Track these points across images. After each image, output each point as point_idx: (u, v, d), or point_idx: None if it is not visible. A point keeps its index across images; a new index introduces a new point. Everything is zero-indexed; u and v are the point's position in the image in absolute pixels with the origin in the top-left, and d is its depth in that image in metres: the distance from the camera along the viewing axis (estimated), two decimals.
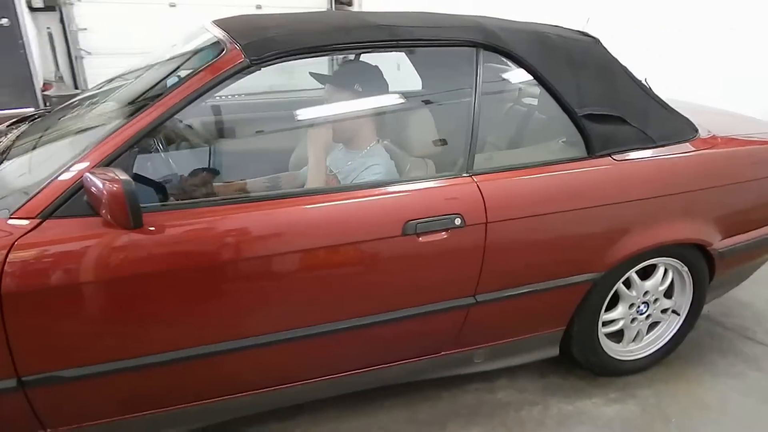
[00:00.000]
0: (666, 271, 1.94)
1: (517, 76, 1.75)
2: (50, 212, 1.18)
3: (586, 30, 1.90)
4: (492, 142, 1.88)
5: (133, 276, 1.23)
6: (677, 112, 1.90)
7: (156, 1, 6.48)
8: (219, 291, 1.35)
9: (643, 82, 1.91)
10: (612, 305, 1.91)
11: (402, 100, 1.79)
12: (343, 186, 1.64)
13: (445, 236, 1.49)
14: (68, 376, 1.27)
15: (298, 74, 1.73)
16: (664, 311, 2.02)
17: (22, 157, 1.53)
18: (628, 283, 1.88)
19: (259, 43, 1.39)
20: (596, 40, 1.83)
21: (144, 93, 1.51)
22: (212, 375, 1.45)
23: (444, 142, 1.73)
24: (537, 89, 1.77)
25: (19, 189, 1.27)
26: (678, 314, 2.05)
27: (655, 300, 1.96)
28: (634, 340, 2.02)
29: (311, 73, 1.76)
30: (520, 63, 1.63)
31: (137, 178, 1.31)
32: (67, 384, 1.27)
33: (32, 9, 5.69)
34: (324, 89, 1.77)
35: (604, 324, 1.92)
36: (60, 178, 1.21)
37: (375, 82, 1.70)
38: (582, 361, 1.97)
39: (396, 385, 1.81)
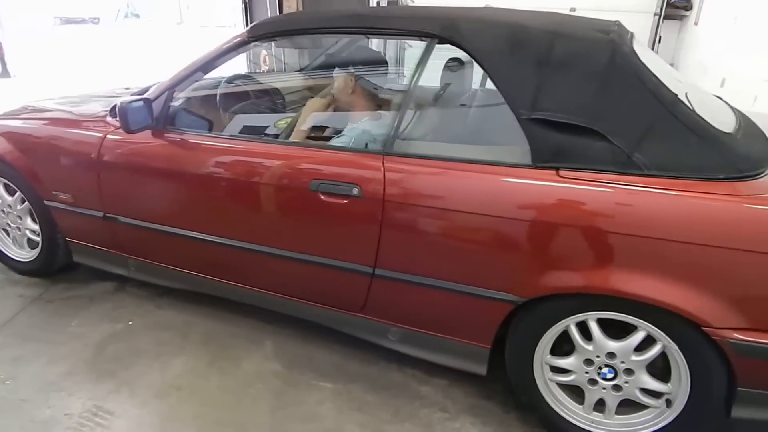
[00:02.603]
0: (654, 341, 1.51)
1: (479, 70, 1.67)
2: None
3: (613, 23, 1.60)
4: (428, 130, 1.81)
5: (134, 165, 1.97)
6: (734, 143, 1.43)
7: (558, 6, 7.30)
8: (185, 190, 1.98)
9: (682, 96, 1.49)
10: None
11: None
12: (297, 141, 1.93)
13: (345, 202, 1.68)
14: (122, 221, 2.12)
15: None
16: (653, 393, 1.57)
17: None
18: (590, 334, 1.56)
19: (256, 27, 1.88)
20: (611, 41, 1.53)
21: None
22: (198, 252, 2.07)
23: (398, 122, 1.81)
24: None
25: None
26: (669, 406, 1.55)
27: (628, 371, 1.55)
28: (601, 411, 1.65)
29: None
30: (472, 56, 1.59)
31: (185, 110, 2.02)
32: (120, 225, 2.12)
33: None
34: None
35: (555, 370, 1.66)
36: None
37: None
38: (522, 400, 1.75)
39: (357, 340, 1.97)
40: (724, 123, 1.57)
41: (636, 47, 1.58)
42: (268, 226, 1.89)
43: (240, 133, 2.04)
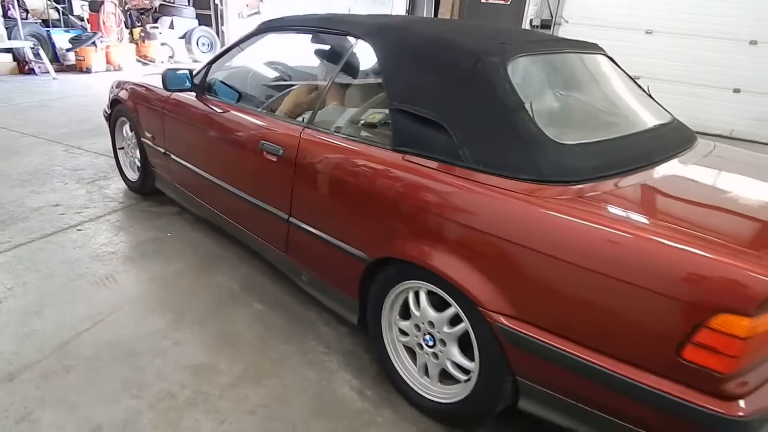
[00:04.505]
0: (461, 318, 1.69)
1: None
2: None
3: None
4: (344, 110, 2.11)
5: (179, 117, 2.70)
6: (556, 151, 1.55)
7: (635, 27, 7.01)
8: (198, 139, 2.64)
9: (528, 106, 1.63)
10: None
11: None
12: (264, 111, 2.42)
13: (275, 159, 2.16)
14: (172, 157, 2.91)
15: None
16: (465, 371, 1.73)
17: None
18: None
19: (264, 23, 2.46)
20: (478, 53, 1.70)
21: None
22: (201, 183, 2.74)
23: (314, 101, 2.22)
24: None
25: None
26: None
27: (442, 341, 1.75)
28: (427, 374, 1.85)
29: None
30: (375, 53, 1.94)
31: (221, 84, 2.71)
32: (171, 159, 2.91)
33: (533, 26, 7.44)
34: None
35: (402, 333, 1.91)
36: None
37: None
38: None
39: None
40: (583, 135, 1.67)
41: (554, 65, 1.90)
42: (239, 173, 2.46)
43: (245, 102, 2.64)
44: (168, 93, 2.84)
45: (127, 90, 3.26)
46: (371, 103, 2.05)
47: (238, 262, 2.77)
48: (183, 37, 9.78)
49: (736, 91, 6.62)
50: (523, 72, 1.82)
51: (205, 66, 2.70)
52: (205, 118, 2.60)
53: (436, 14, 8.20)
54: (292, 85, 2.59)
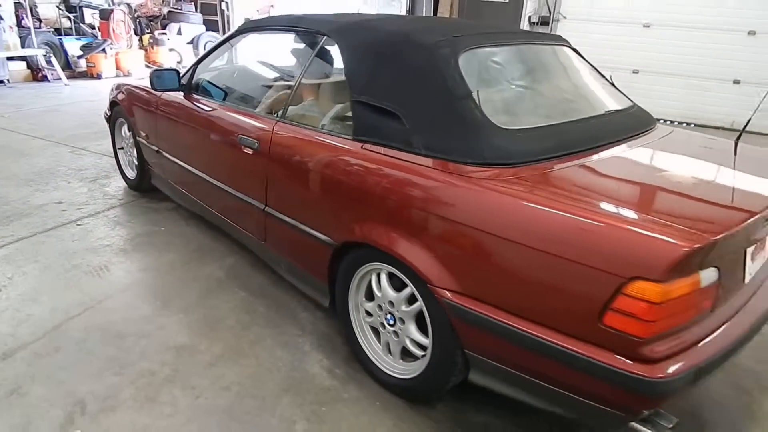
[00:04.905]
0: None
1: None
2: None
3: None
4: (312, 104, 2.21)
5: (169, 115, 2.84)
6: (498, 136, 1.64)
7: (632, 21, 7.03)
8: (188, 132, 2.76)
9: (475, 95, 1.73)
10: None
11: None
12: (245, 108, 2.55)
13: (251, 152, 2.28)
14: (164, 154, 3.05)
15: None
16: (420, 346, 1.83)
17: None
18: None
19: (245, 24, 2.59)
20: (429, 46, 1.80)
21: None
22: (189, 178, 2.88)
23: (287, 97, 2.32)
24: None
25: None
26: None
27: (401, 320, 1.85)
28: (390, 352, 1.96)
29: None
30: (339, 50, 2.05)
31: (206, 83, 2.84)
32: (163, 156, 3.06)
33: (531, 23, 7.53)
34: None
35: (367, 313, 2.02)
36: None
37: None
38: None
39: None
40: (529, 121, 1.76)
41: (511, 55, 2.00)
42: (222, 167, 2.59)
43: (227, 100, 2.76)
44: (159, 94, 2.99)
45: (123, 92, 3.42)
46: (337, 97, 2.16)
47: (227, 253, 2.90)
48: (191, 42, 10.02)
49: (736, 82, 6.59)
50: (478, 63, 1.91)
51: (192, 66, 2.84)
52: (191, 116, 2.73)
53: (435, 13, 8.29)
54: (272, 82, 2.71)
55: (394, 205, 1.71)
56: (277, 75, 2.86)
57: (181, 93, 2.84)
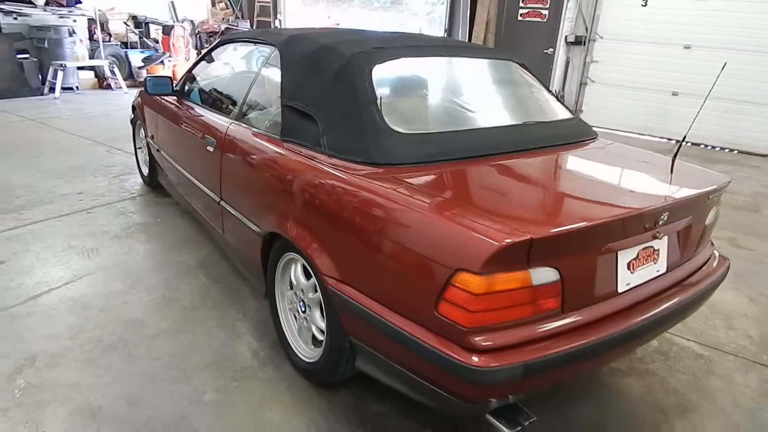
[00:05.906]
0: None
1: None
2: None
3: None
4: (264, 108, 2.40)
5: (166, 116, 3.15)
6: (388, 140, 1.77)
7: (672, 42, 6.82)
8: (175, 132, 3.06)
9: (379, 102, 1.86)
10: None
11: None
12: (214, 111, 2.75)
13: (211, 150, 2.53)
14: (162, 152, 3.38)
15: None
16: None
17: None
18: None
19: (222, 38, 2.86)
20: (347, 57, 1.96)
21: None
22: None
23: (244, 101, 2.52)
24: None
25: None
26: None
27: (310, 307, 1.99)
28: (300, 335, 2.10)
29: None
30: (280, 59, 2.25)
31: (192, 88, 3.15)
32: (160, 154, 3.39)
33: (567, 42, 7.50)
34: None
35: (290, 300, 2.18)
36: None
37: None
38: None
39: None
40: (428, 127, 1.89)
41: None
42: (195, 163, 2.85)
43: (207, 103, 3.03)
44: (160, 98, 3.32)
45: (139, 98, 3.81)
46: (277, 102, 2.36)
47: (204, 245, 3.16)
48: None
49: None
50: (396, 73, 2.05)
51: (185, 73, 3.15)
52: (177, 117, 3.03)
53: (470, 34, 8.39)
54: (237, 88, 2.97)
55: (298, 199, 1.87)
56: (242, 81, 3.14)
57: (175, 97, 3.15)
